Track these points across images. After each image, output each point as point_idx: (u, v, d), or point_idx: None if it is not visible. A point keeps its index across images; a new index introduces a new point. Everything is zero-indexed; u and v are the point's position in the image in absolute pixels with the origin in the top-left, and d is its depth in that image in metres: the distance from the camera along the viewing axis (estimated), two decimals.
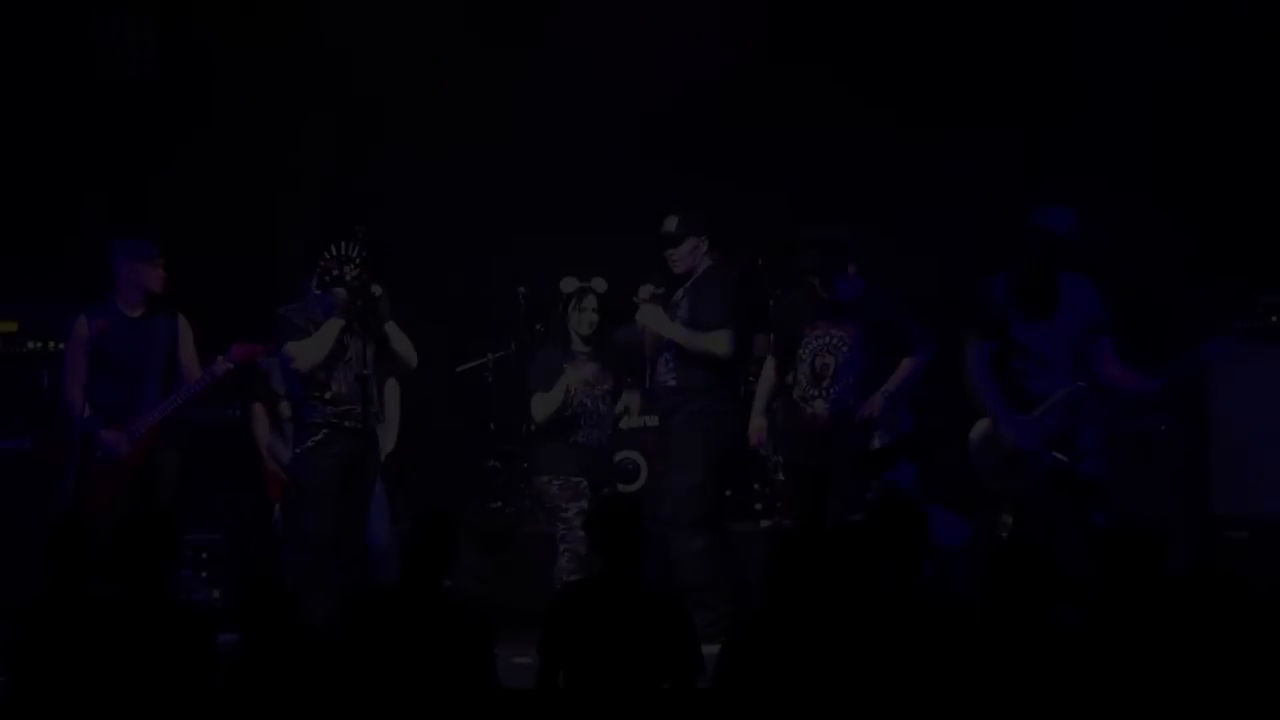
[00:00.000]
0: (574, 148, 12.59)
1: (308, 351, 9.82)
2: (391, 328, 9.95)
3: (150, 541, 6.73)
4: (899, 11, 12.38)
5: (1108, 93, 11.83)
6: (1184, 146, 11.89)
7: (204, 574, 11.28)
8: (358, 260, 9.73)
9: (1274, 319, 10.77)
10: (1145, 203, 11.87)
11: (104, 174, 12.63)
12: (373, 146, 12.90)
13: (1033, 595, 6.12)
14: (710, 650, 9.88)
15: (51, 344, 10.95)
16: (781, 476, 10.86)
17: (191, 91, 12.97)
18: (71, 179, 12.54)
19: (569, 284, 10.57)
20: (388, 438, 10.87)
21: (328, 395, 9.87)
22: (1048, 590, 6.21)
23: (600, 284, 10.57)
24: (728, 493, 10.91)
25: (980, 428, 9.43)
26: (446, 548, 7.14)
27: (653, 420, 11.48)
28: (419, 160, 12.92)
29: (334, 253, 9.77)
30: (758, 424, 10.17)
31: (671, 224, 10.36)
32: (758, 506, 11.68)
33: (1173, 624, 5.55)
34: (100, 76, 12.99)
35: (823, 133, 12.46)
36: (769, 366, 10.22)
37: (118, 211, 12.28)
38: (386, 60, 12.59)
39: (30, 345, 10.27)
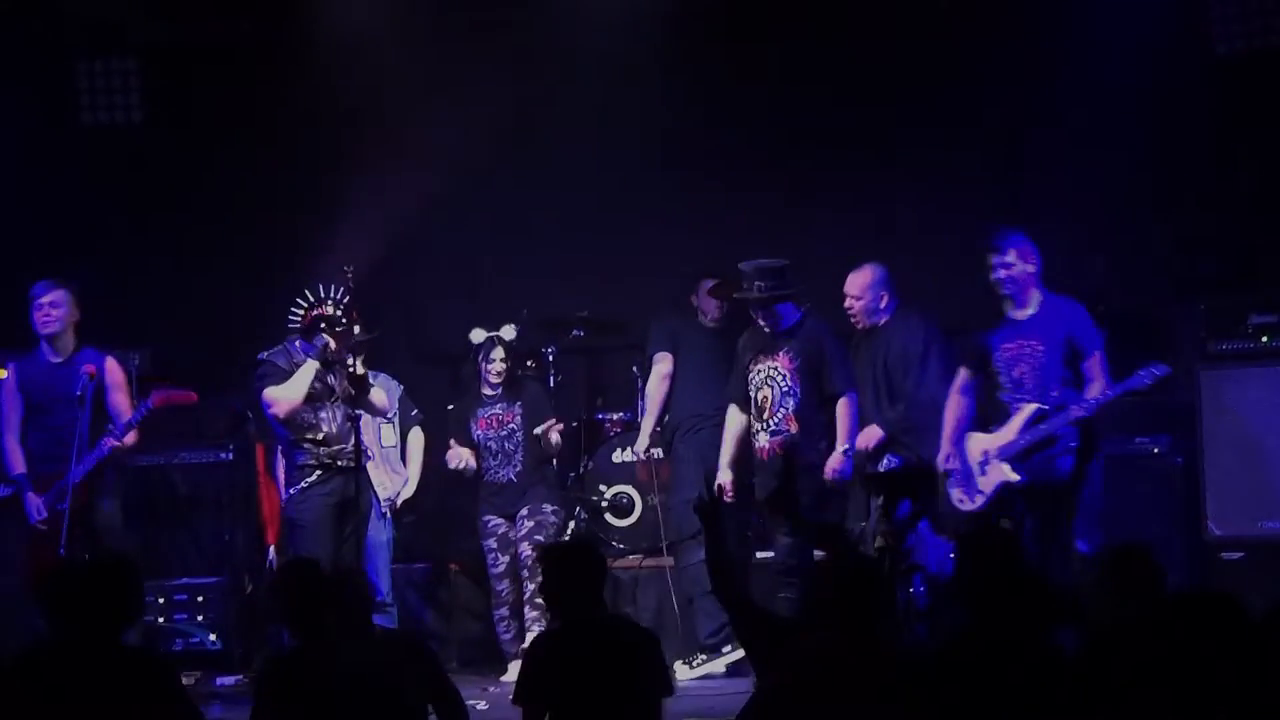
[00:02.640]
0: (566, 187, 12.59)
1: (285, 395, 9.88)
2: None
3: (100, 588, 6.60)
4: (886, 42, 12.40)
5: (1096, 114, 11.84)
6: (1173, 168, 11.92)
7: (200, 618, 11.25)
8: (339, 302, 9.76)
9: (1264, 340, 10.77)
10: (1135, 225, 11.91)
11: (87, 219, 12.58)
12: (361, 188, 12.88)
13: (1027, 616, 6.11)
14: (720, 658, 10.03)
15: None
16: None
17: (174, 135, 12.96)
18: (55, 223, 12.49)
19: (478, 335, 10.93)
20: (407, 485, 11.05)
21: (319, 436, 9.92)
22: (1042, 611, 6.20)
23: (509, 331, 10.93)
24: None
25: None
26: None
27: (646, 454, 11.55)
28: (407, 200, 12.91)
29: (316, 296, 9.81)
30: (725, 477, 10.08)
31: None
32: (748, 534, 11.65)
33: (1168, 645, 5.53)
34: (83, 121, 12.97)
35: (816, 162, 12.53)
36: (732, 412, 10.18)
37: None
38: (373, 106, 12.60)
39: None
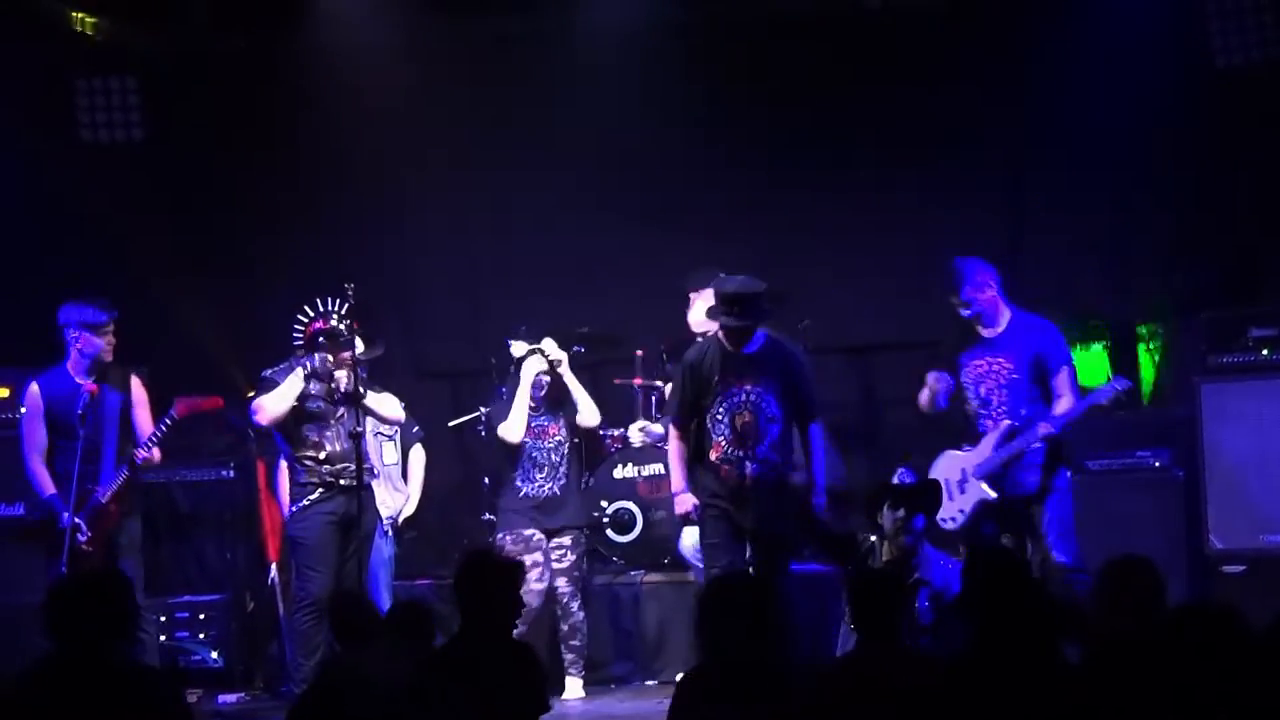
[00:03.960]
0: (565, 203, 12.60)
1: (269, 403, 9.86)
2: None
3: (90, 604, 6.58)
4: (887, 53, 12.43)
5: (1096, 127, 11.86)
6: (1174, 181, 11.94)
7: (201, 635, 11.24)
8: (341, 315, 9.76)
9: (1264, 353, 10.76)
10: (1135, 237, 11.93)
11: (88, 236, 12.59)
12: (361, 204, 12.90)
13: (1032, 631, 6.10)
14: None
15: None
16: None
17: (174, 152, 13.00)
18: (57, 241, 12.51)
19: (519, 348, 10.76)
20: (409, 503, 10.98)
21: (321, 455, 9.87)
22: (1047, 626, 6.20)
23: (550, 346, 10.75)
24: None
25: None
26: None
27: (648, 470, 11.53)
28: (407, 217, 12.93)
29: (317, 310, 9.81)
30: (687, 499, 9.55)
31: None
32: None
33: (1170, 658, 5.53)
34: (83, 138, 13.00)
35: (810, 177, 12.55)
36: (675, 434, 9.62)
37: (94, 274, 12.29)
38: (372, 122, 12.60)
39: (23, 410, 10.18)
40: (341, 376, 9.83)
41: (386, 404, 10.21)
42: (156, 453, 9.98)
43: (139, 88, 13.02)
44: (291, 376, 9.84)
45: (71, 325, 9.89)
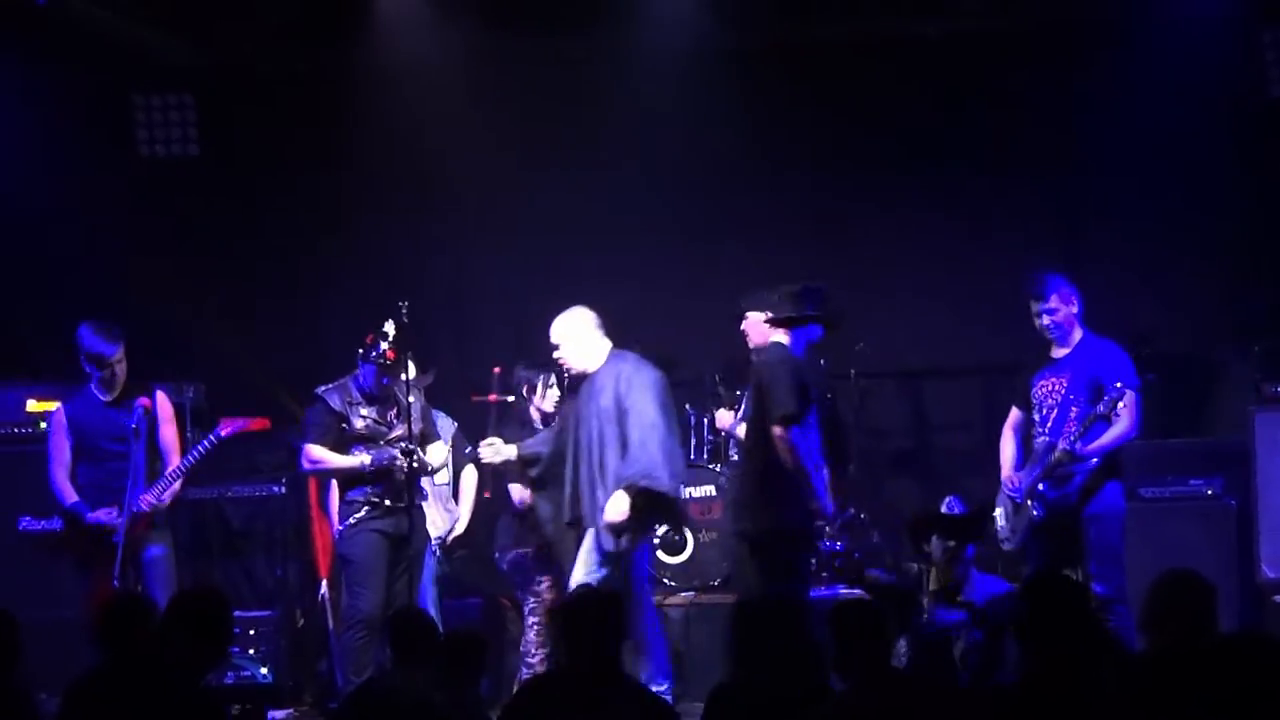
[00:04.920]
0: (619, 222, 12.63)
1: (320, 465, 9.98)
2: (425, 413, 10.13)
3: (197, 622, 6.63)
4: (938, 83, 12.47)
5: (1149, 156, 11.86)
6: (1227, 209, 11.93)
7: (251, 651, 11.24)
8: (393, 338, 9.77)
9: None
10: (1188, 266, 11.92)
11: (144, 250, 12.67)
12: (414, 221, 12.95)
13: (1085, 658, 6.10)
14: None
15: None
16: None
17: (229, 167, 13.09)
18: (113, 255, 12.60)
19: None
20: (459, 523, 10.94)
21: (371, 474, 9.87)
22: (1091, 650, 6.19)
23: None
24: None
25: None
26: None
27: (699, 491, 11.51)
28: (461, 234, 12.96)
29: (376, 330, 9.83)
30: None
31: None
32: None
33: (1220, 686, 5.51)
34: (140, 153, 13.10)
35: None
36: (799, 438, 9.14)
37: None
38: (426, 139, 12.65)
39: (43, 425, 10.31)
40: (403, 464, 9.86)
41: (437, 457, 10.23)
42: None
43: (196, 104, 13.13)
44: (351, 459, 9.89)
45: (80, 351, 9.98)
